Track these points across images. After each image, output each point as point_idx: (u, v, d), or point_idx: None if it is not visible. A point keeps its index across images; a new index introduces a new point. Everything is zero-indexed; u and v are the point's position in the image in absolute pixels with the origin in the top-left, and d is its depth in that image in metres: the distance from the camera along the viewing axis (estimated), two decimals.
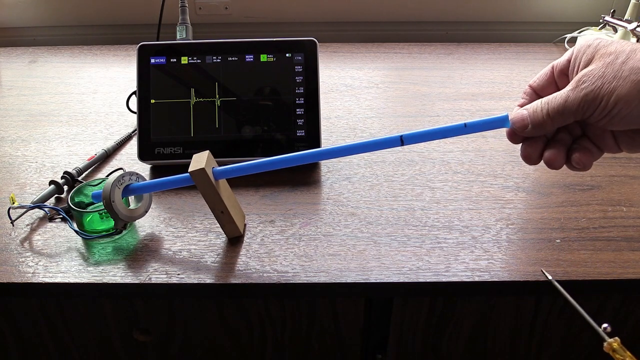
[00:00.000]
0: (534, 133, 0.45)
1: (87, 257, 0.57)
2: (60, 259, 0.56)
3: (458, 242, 0.58)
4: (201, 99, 0.70)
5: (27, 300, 0.60)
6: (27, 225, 0.61)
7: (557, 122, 0.43)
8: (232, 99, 0.70)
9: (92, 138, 0.76)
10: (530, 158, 0.47)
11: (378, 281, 0.54)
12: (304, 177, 0.68)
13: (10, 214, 0.60)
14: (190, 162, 0.55)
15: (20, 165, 0.71)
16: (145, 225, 0.61)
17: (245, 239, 0.59)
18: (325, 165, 0.70)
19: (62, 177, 0.65)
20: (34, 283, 0.54)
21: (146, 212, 0.59)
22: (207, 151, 0.55)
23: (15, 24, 1.08)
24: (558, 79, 0.46)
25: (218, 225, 0.58)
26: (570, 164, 0.46)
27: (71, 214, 0.60)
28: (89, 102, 0.85)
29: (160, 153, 0.69)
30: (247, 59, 0.70)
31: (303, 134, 0.70)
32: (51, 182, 0.64)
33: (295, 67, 0.70)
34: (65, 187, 0.65)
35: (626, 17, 0.95)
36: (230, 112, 0.70)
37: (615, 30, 0.97)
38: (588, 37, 0.44)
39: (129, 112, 0.80)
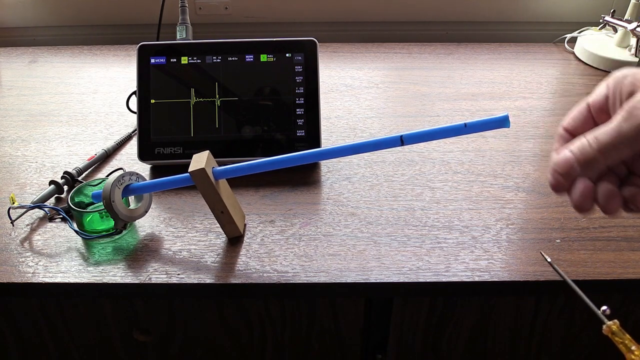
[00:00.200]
0: (583, 174, 0.41)
1: (87, 257, 0.57)
2: (60, 259, 0.56)
3: (458, 242, 0.58)
4: (201, 99, 0.70)
5: (27, 300, 0.60)
6: (27, 225, 0.61)
7: (610, 157, 0.39)
8: (232, 99, 0.70)
9: (92, 138, 0.76)
10: (584, 205, 0.42)
11: (378, 281, 0.54)
12: (304, 177, 0.68)
13: (10, 214, 0.60)
14: (190, 162, 0.55)
15: (20, 165, 0.71)
16: (145, 225, 0.61)
17: (245, 239, 0.59)
18: (325, 165, 0.70)
19: (62, 177, 0.65)
20: (34, 283, 0.54)
21: (146, 212, 0.59)
22: (207, 151, 0.55)
23: (15, 24, 1.08)
24: (597, 117, 0.43)
25: (218, 225, 0.58)
26: (626, 206, 0.42)
27: (71, 214, 0.60)
28: (89, 102, 0.85)
29: (160, 153, 0.69)
30: (247, 59, 0.70)
31: (303, 134, 0.70)
32: (51, 182, 0.64)
33: (295, 67, 0.70)
34: (65, 187, 0.65)
35: (626, 17, 0.95)
36: (230, 112, 0.70)
37: (615, 30, 0.97)
38: (619, 72, 0.41)
39: (129, 112, 0.80)
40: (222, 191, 0.56)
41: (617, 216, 0.41)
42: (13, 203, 0.61)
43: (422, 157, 0.72)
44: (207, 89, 0.70)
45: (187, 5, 0.84)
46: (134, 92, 0.79)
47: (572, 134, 0.44)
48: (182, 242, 0.59)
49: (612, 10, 0.97)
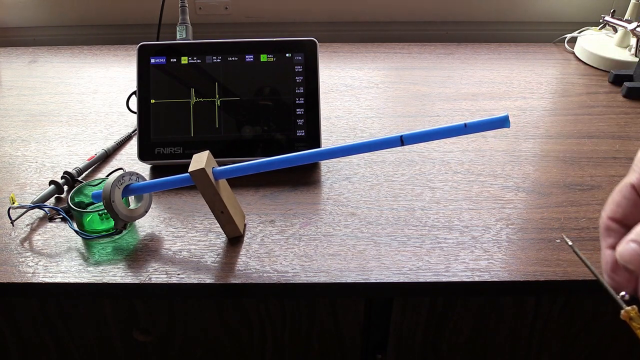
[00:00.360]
0: None
1: (87, 257, 0.57)
2: (60, 259, 0.56)
3: (458, 242, 0.58)
4: (201, 99, 0.70)
5: (27, 300, 0.60)
6: (27, 225, 0.61)
7: None
8: (232, 99, 0.70)
9: (92, 138, 0.76)
10: None
11: (378, 281, 0.54)
12: (304, 177, 0.68)
13: (10, 214, 0.60)
14: (190, 162, 0.55)
15: (20, 165, 0.71)
16: (145, 225, 0.61)
17: (245, 239, 0.59)
18: (325, 165, 0.70)
19: (62, 177, 0.65)
20: (34, 283, 0.54)
21: (146, 212, 0.59)
22: (207, 151, 0.55)
23: (15, 24, 1.08)
24: None
25: (218, 225, 0.58)
26: None
27: (71, 214, 0.60)
28: (89, 102, 0.85)
29: (160, 153, 0.69)
30: (247, 59, 0.70)
31: (303, 134, 0.69)
32: (51, 182, 0.64)
33: (295, 67, 0.70)
34: (65, 187, 0.65)
35: (626, 17, 0.95)
36: (230, 112, 0.70)
37: (615, 30, 0.97)
38: None
39: (129, 112, 0.80)
40: (222, 191, 0.56)
41: None
42: (13, 203, 0.61)
43: (422, 157, 0.72)
44: (207, 89, 0.70)
45: (187, 5, 0.84)
46: (134, 92, 0.79)
47: (622, 223, 0.39)
48: (182, 242, 0.59)
49: (612, 10, 0.97)
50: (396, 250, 0.57)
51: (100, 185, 0.61)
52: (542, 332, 0.63)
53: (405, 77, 0.92)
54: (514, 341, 0.64)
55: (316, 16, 1.07)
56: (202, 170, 0.53)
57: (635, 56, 0.92)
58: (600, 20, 0.98)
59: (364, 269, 0.55)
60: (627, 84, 0.86)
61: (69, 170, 0.66)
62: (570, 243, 0.47)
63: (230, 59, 0.70)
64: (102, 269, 0.55)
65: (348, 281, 0.54)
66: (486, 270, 0.55)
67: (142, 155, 0.69)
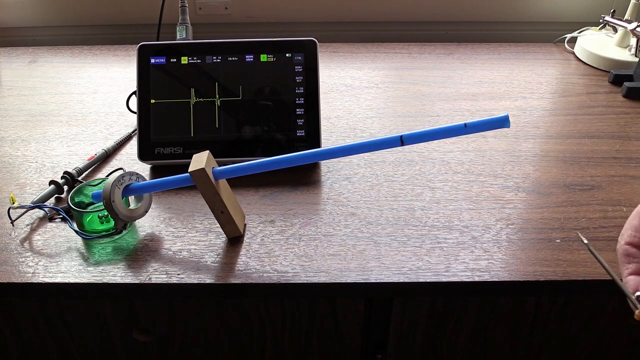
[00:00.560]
0: None
1: (87, 257, 0.57)
2: (60, 259, 0.56)
3: (458, 242, 0.58)
4: (201, 99, 0.70)
5: (27, 300, 0.60)
6: (27, 225, 0.61)
7: None
8: (232, 99, 0.70)
9: (92, 138, 0.76)
10: None
11: (378, 281, 0.54)
12: (304, 177, 0.68)
13: (10, 214, 0.60)
14: (190, 162, 0.55)
15: (20, 165, 0.71)
16: (145, 225, 0.61)
17: (245, 239, 0.59)
18: (325, 165, 0.70)
19: (62, 177, 0.65)
20: (34, 283, 0.54)
21: (146, 212, 0.59)
22: (207, 151, 0.55)
23: (15, 24, 1.08)
24: None
25: (218, 225, 0.58)
26: None
27: (71, 214, 0.60)
28: (89, 102, 0.85)
29: (160, 153, 0.69)
30: (247, 59, 0.70)
31: (303, 134, 0.69)
32: (51, 182, 0.64)
33: (295, 67, 0.70)
34: (65, 187, 0.65)
35: (626, 17, 0.95)
36: (230, 112, 0.70)
37: (615, 30, 0.97)
38: None
39: (129, 112, 0.80)
40: (222, 191, 0.56)
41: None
42: (13, 203, 0.61)
43: (422, 157, 0.72)
44: (207, 89, 0.70)
45: (187, 5, 0.84)
46: (134, 92, 0.79)
47: None
48: (182, 242, 0.59)
49: (612, 10, 0.97)
50: (396, 250, 0.57)
51: (100, 185, 0.61)
52: (542, 332, 0.63)
53: (405, 77, 0.92)
54: (514, 341, 0.64)
55: (316, 16, 1.07)
56: (202, 170, 0.53)
57: (635, 56, 0.92)
58: (600, 20, 0.98)
59: (364, 269, 0.55)
60: (627, 84, 0.86)
61: (69, 170, 0.66)
62: (586, 241, 0.46)
63: (230, 59, 0.70)
64: (102, 269, 0.55)
65: (348, 281, 0.54)
66: (486, 270, 0.55)
67: (142, 155, 0.69)
